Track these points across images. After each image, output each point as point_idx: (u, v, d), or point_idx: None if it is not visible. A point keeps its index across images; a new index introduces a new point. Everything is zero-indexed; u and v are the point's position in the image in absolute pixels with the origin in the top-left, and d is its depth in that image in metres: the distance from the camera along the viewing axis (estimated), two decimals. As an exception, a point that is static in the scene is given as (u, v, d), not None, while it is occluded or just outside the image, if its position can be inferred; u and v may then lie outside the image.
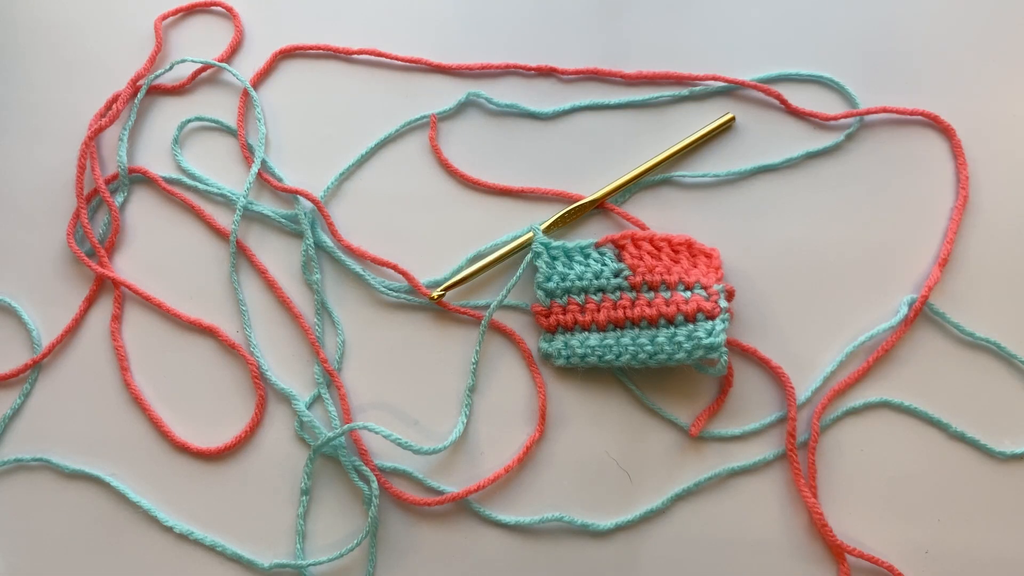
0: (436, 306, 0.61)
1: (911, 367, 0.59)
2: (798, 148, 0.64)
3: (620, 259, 0.60)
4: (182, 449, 0.59)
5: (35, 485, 0.59)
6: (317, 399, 0.60)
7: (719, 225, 0.63)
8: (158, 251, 0.64)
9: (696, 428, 0.58)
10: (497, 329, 0.61)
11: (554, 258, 0.61)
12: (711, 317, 0.56)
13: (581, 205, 0.63)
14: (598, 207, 0.63)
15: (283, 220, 0.64)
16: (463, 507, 0.58)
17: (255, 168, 0.64)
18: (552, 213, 0.63)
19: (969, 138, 0.64)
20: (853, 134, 0.64)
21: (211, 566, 0.57)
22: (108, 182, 0.65)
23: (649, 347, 0.57)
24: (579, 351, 0.59)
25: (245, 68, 0.68)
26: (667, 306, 0.57)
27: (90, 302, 0.62)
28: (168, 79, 0.68)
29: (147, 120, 0.67)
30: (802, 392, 0.59)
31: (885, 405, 0.59)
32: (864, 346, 0.60)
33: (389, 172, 0.65)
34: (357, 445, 0.58)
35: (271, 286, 0.62)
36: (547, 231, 0.62)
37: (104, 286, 0.63)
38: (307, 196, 0.63)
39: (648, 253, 0.60)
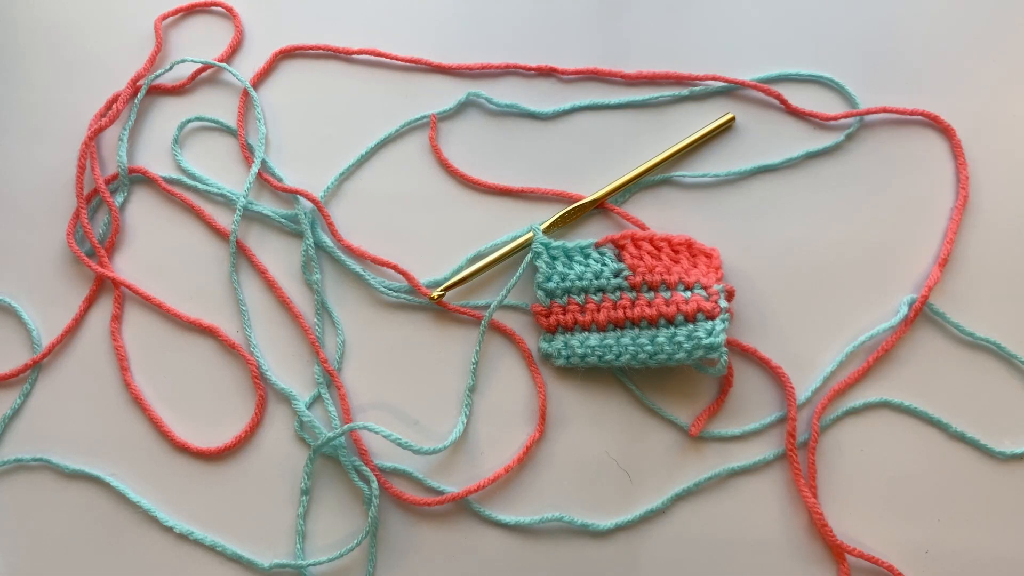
0: (436, 306, 0.61)
1: (911, 367, 0.59)
2: (798, 148, 0.64)
3: (620, 259, 0.60)
4: (182, 449, 0.59)
5: (35, 485, 0.59)
6: (317, 399, 0.60)
7: (719, 225, 0.63)
8: (158, 251, 0.64)
9: (696, 428, 0.58)
10: (497, 329, 0.61)
11: (554, 258, 0.61)
12: (711, 317, 0.56)
13: (581, 205, 0.63)
14: (598, 207, 0.63)
15: (283, 220, 0.64)
16: (463, 507, 0.58)
17: (255, 168, 0.64)
18: (552, 213, 0.63)
19: (969, 138, 0.64)
20: (853, 134, 0.64)
21: (211, 566, 0.57)
22: (108, 182, 0.65)
23: (649, 347, 0.57)
24: (579, 351, 0.59)
25: (245, 68, 0.68)
26: (667, 306, 0.57)
27: (90, 302, 0.62)
28: (168, 79, 0.68)
29: (147, 120, 0.67)
30: (802, 392, 0.59)
31: (885, 405, 0.59)
32: (864, 346, 0.60)
33: (389, 172, 0.65)
34: (357, 445, 0.58)
35: (271, 286, 0.62)
36: (547, 231, 0.62)
37: (104, 286, 0.63)
38: (307, 196, 0.63)
39: (648, 253, 0.60)
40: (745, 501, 0.57)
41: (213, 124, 0.67)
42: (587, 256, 0.61)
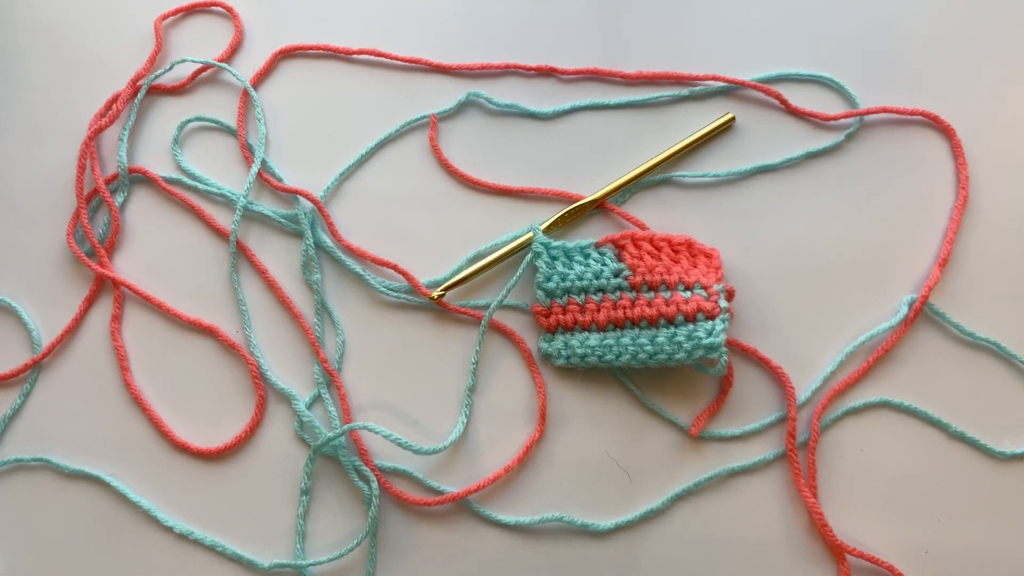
0: (436, 306, 0.61)
1: (911, 367, 0.59)
2: (798, 148, 0.64)
3: (620, 259, 0.60)
4: (182, 449, 0.59)
5: (35, 485, 0.59)
6: (317, 399, 0.60)
7: (719, 225, 0.63)
8: (158, 251, 0.64)
9: (696, 428, 0.58)
10: (497, 329, 0.61)
11: (554, 258, 0.61)
12: (711, 317, 0.56)
13: (581, 205, 0.63)
14: (598, 207, 0.63)
15: (283, 220, 0.64)
16: (463, 507, 0.58)
17: (255, 168, 0.64)
18: (552, 213, 0.63)
19: (969, 138, 0.64)
20: (853, 134, 0.64)
21: (211, 566, 0.57)
22: (108, 182, 0.65)
23: (649, 347, 0.57)
24: (579, 351, 0.59)
25: (245, 68, 0.68)
26: (667, 306, 0.57)
27: (90, 302, 0.62)
28: (168, 79, 0.68)
29: (147, 120, 0.67)
30: (802, 392, 0.59)
31: (885, 405, 0.59)
32: (864, 346, 0.60)
33: (389, 172, 0.65)
34: (357, 445, 0.58)
35: (271, 286, 0.62)
36: (547, 231, 0.62)
37: (104, 286, 0.63)
38: (307, 196, 0.63)
39: (648, 253, 0.60)
40: (745, 501, 0.57)
41: (213, 124, 0.67)
42: (587, 256, 0.61)
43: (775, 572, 0.56)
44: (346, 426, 0.57)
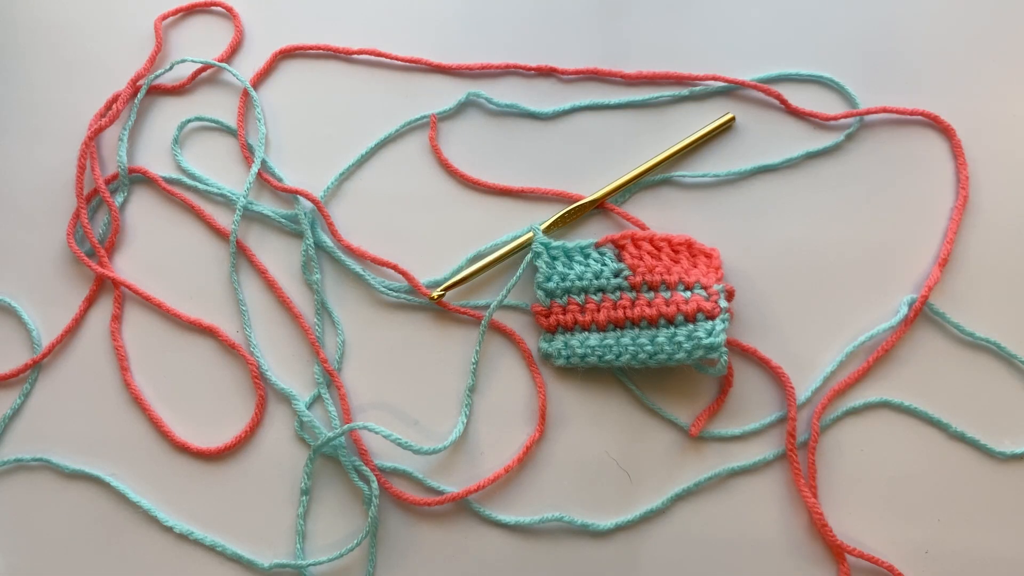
0: (436, 306, 0.61)
1: (911, 367, 0.59)
2: (798, 148, 0.64)
3: (620, 259, 0.60)
4: (182, 449, 0.59)
5: (35, 485, 0.59)
6: (317, 399, 0.60)
7: (719, 225, 0.63)
8: (158, 251, 0.64)
9: (696, 428, 0.58)
10: (497, 329, 0.61)
11: (554, 258, 0.61)
12: (711, 317, 0.56)
13: (581, 205, 0.63)
14: (598, 207, 0.63)
15: (283, 220, 0.64)
16: (463, 507, 0.58)
17: (255, 168, 0.64)
18: (552, 213, 0.63)
19: (969, 138, 0.64)
20: (853, 134, 0.64)
21: (211, 566, 0.57)
22: (108, 182, 0.65)
23: (649, 347, 0.57)
24: (579, 351, 0.59)
25: (245, 68, 0.68)
26: (667, 306, 0.57)
27: (90, 302, 0.62)
28: (168, 79, 0.68)
29: (147, 120, 0.67)
30: (802, 392, 0.59)
31: (885, 405, 0.59)
32: (864, 346, 0.60)
33: (389, 172, 0.65)
34: (357, 445, 0.58)
35: (271, 286, 0.62)
36: (547, 231, 0.62)
37: (104, 286, 0.63)
38: (307, 196, 0.63)
39: (648, 253, 0.60)
40: (745, 501, 0.57)
41: (213, 124, 0.67)
42: (587, 256, 0.61)
43: (775, 572, 0.56)
44: (346, 426, 0.57)
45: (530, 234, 0.62)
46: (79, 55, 0.69)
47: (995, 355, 0.59)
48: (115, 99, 0.67)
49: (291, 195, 0.64)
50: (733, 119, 0.65)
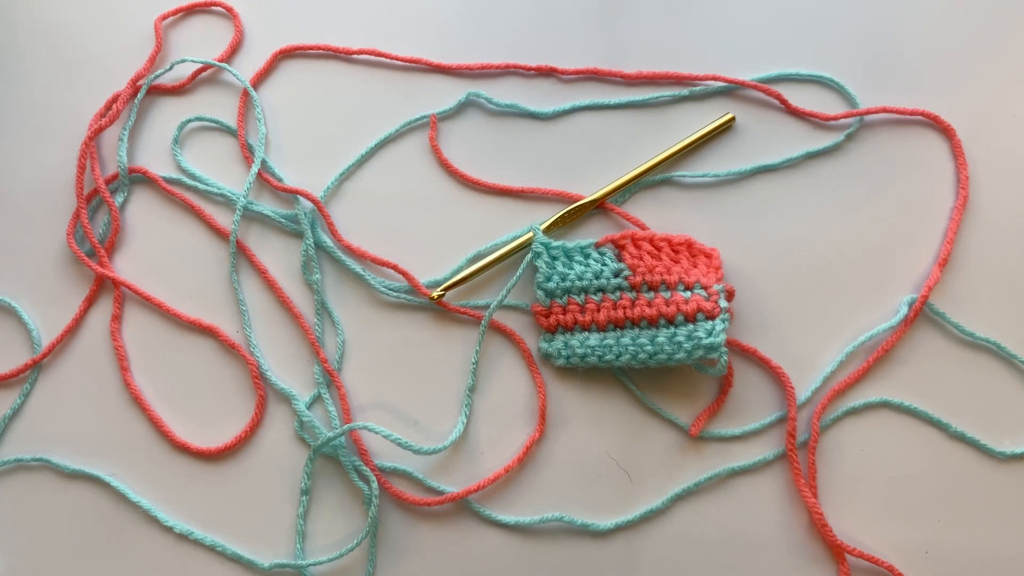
0: (436, 306, 0.61)
1: (911, 367, 0.59)
2: (798, 148, 0.64)
3: (620, 259, 0.60)
4: (182, 449, 0.59)
5: (35, 485, 0.59)
6: (317, 399, 0.60)
7: (719, 225, 0.63)
8: (158, 251, 0.64)
9: (696, 428, 0.58)
10: (497, 329, 0.61)
11: (554, 258, 0.61)
12: (711, 317, 0.56)
13: (581, 205, 0.63)
14: (598, 207, 0.63)
15: (283, 220, 0.64)
16: (463, 507, 0.58)
17: (255, 168, 0.64)
18: (552, 213, 0.63)
19: (969, 138, 0.64)
20: (853, 134, 0.64)
21: (211, 566, 0.57)
22: (108, 182, 0.65)
23: (649, 347, 0.57)
24: (579, 351, 0.59)
25: (245, 68, 0.68)
26: (667, 306, 0.57)
27: (90, 302, 0.62)
28: (168, 79, 0.68)
29: (147, 120, 0.67)
30: (802, 392, 0.59)
31: (885, 405, 0.59)
32: (864, 346, 0.60)
33: (389, 172, 0.65)
34: (357, 445, 0.58)
35: (271, 286, 0.62)
36: (547, 231, 0.62)
37: (104, 286, 0.63)
38: (307, 196, 0.63)
39: (648, 253, 0.60)
40: (745, 501, 0.57)
41: (213, 124, 0.67)
42: (587, 256, 0.61)
43: (775, 572, 0.56)
44: (346, 426, 0.57)
45: (530, 234, 0.62)
46: (79, 55, 0.69)
47: (995, 355, 0.59)
48: (115, 99, 0.67)
49: (291, 195, 0.64)
50: (733, 119, 0.65)
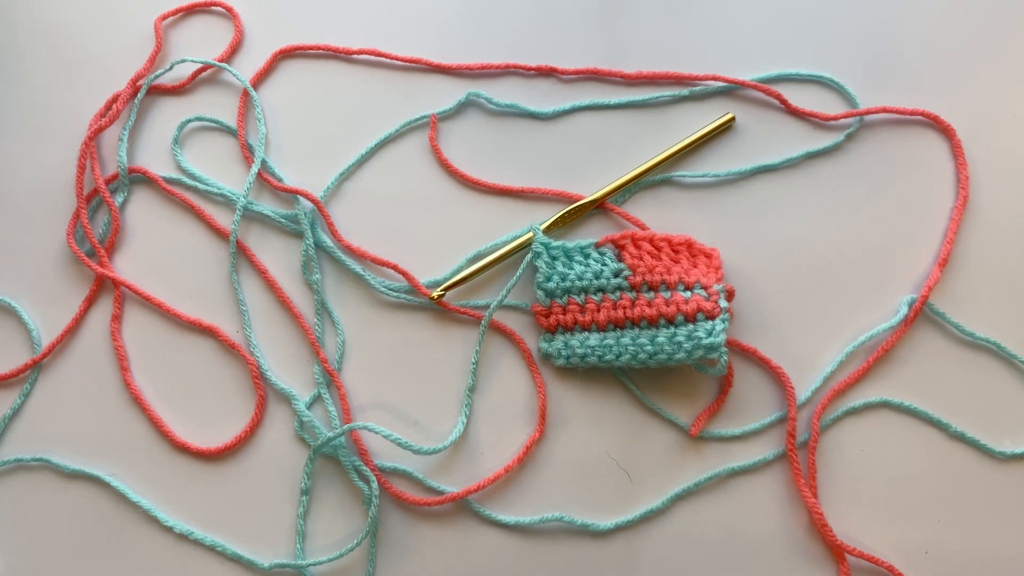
0: (436, 306, 0.61)
1: (911, 367, 0.59)
2: (798, 148, 0.64)
3: (620, 259, 0.60)
4: (182, 449, 0.59)
5: (35, 485, 0.59)
6: (317, 399, 0.60)
7: (719, 225, 0.63)
8: (158, 251, 0.64)
9: (696, 428, 0.58)
10: (497, 329, 0.61)
11: (554, 258, 0.61)
12: (711, 317, 0.56)
13: (581, 205, 0.63)
14: (598, 207, 0.63)
15: (283, 220, 0.64)
16: (463, 507, 0.58)
17: (255, 168, 0.64)
18: (552, 213, 0.63)
19: (969, 138, 0.64)
20: (853, 134, 0.64)
21: (211, 566, 0.57)
22: (108, 182, 0.65)
23: (649, 347, 0.57)
24: (579, 351, 0.59)
25: (245, 68, 0.68)
26: (667, 306, 0.57)
27: (90, 302, 0.62)
28: (168, 79, 0.68)
29: (147, 120, 0.67)
30: (802, 392, 0.59)
31: (885, 405, 0.59)
32: (864, 346, 0.60)
33: (389, 172, 0.65)
34: (357, 445, 0.58)
35: (271, 286, 0.62)
36: (547, 231, 0.62)
37: (104, 286, 0.63)
38: (307, 196, 0.63)
39: (648, 253, 0.60)
40: (745, 501, 0.57)
41: (213, 124, 0.67)
42: (587, 256, 0.61)
43: (775, 572, 0.56)
44: (346, 426, 0.57)
45: (530, 234, 0.62)
46: (79, 55, 0.69)
47: (995, 355, 0.59)
48: (115, 99, 0.67)
49: (291, 195, 0.64)
50: (733, 119, 0.65)
